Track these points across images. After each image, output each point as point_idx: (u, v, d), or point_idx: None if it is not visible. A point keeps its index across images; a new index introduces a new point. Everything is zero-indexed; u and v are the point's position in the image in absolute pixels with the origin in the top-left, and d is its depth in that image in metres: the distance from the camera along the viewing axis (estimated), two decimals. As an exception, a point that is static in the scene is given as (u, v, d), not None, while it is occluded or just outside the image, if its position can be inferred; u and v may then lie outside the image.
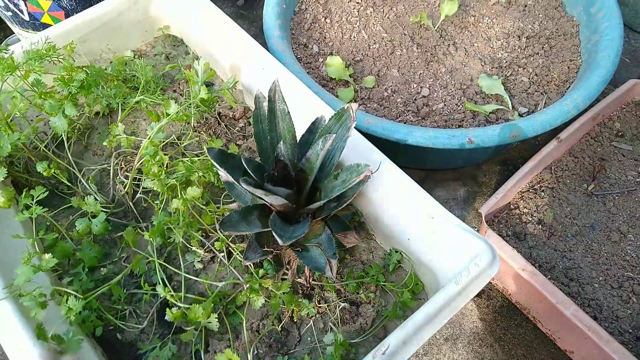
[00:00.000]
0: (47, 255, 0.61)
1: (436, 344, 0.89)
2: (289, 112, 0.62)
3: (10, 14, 0.97)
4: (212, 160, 0.56)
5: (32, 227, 0.67)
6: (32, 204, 0.66)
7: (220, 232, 0.73)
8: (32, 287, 0.61)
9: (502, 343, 0.88)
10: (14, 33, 1.82)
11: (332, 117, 0.63)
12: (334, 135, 0.56)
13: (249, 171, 0.56)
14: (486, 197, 0.97)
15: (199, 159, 0.75)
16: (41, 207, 0.67)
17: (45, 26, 0.97)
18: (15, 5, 0.93)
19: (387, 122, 0.79)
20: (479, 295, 0.93)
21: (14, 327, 0.57)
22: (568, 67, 0.93)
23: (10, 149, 0.64)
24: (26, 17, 0.96)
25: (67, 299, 0.60)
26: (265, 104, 0.64)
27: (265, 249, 0.66)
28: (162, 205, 0.73)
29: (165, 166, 0.73)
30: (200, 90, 0.74)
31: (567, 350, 0.83)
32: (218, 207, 0.75)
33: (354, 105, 0.60)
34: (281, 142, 0.60)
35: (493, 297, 0.93)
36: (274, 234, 0.55)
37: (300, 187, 0.64)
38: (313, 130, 0.67)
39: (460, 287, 0.57)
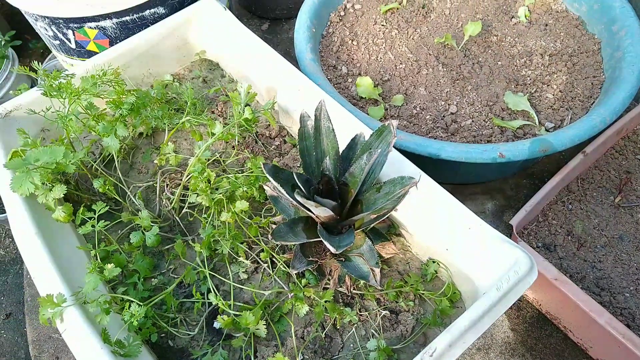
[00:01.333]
0: (110, 266, 0.66)
1: (469, 353, 0.91)
2: (333, 130, 0.66)
3: (57, 42, 1.03)
4: (266, 174, 0.60)
5: (95, 239, 0.71)
6: (93, 217, 0.70)
7: (264, 243, 0.77)
8: (95, 295, 0.65)
9: (534, 353, 0.90)
10: (45, 58, 1.90)
11: (372, 133, 0.67)
12: (379, 150, 0.60)
13: (299, 184, 0.60)
14: (514, 210, 0.99)
15: (242, 175, 0.80)
16: (98, 222, 0.72)
17: (90, 53, 1.03)
18: (64, 34, 0.99)
19: (420, 137, 0.83)
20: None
21: (83, 331, 0.61)
22: (592, 83, 0.96)
23: (75, 167, 0.68)
24: (73, 45, 1.02)
25: (129, 306, 0.64)
26: (310, 122, 0.68)
27: (310, 259, 0.69)
28: (209, 219, 0.77)
29: (210, 182, 0.78)
30: (243, 111, 0.79)
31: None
32: (261, 220, 0.79)
33: (394, 122, 0.64)
34: (327, 158, 0.64)
35: (523, 308, 0.95)
36: (326, 243, 0.58)
37: (343, 200, 0.67)
38: (353, 146, 0.71)
39: (501, 294, 0.60)
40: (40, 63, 1.11)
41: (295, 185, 0.63)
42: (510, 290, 0.61)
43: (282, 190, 0.60)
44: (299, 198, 0.58)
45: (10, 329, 1.16)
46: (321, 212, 0.62)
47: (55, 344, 1.01)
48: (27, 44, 2.33)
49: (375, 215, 0.68)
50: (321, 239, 0.63)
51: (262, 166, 0.61)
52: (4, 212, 1.25)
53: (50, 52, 2.36)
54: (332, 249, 0.57)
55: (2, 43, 1.97)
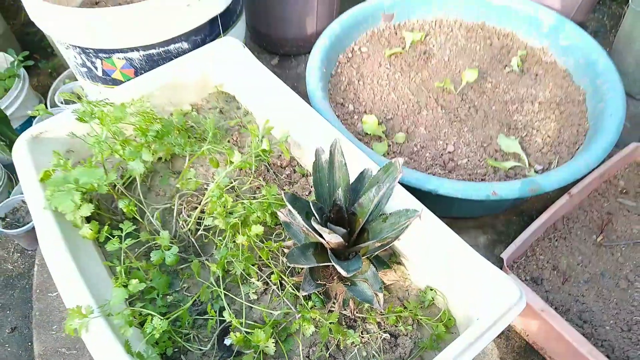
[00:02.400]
0: (135, 281, 0.71)
1: (460, 379, 0.96)
2: (345, 164, 0.74)
3: (85, 69, 1.10)
4: (286, 202, 0.67)
5: (120, 256, 0.76)
6: (121, 235, 0.76)
7: (274, 266, 0.82)
8: (119, 308, 0.70)
9: (522, 381, 0.95)
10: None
11: (380, 168, 0.74)
12: (387, 184, 0.67)
13: (314, 212, 0.66)
14: (504, 244, 1.06)
15: (256, 201, 0.86)
16: (119, 240, 0.78)
17: (116, 81, 1.10)
18: (92, 63, 1.07)
19: (420, 173, 0.90)
20: (499, 335, 1.01)
21: (108, 341, 0.66)
22: (577, 131, 1.05)
23: (106, 188, 0.74)
24: (99, 73, 1.10)
25: (151, 319, 0.69)
26: (324, 156, 0.75)
27: (318, 282, 0.75)
28: (224, 241, 0.83)
29: (226, 207, 0.84)
30: (262, 142, 0.86)
31: (582, 389, 0.90)
32: (272, 244, 0.85)
33: (401, 160, 0.71)
34: (339, 189, 0.71)
35: (511, 338, 1.01)
36: (337, 267, 0.64)
37: (352, 228, 0.74)
38: (361, 179, 0.78)
39: (492, 320, 0.66)
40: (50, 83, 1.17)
41: (309, 212, 0.70)
42: (501, 317, 0.67)
43: (299, 217, 0.67)
44: (314, 224, 0.64)
45: (15, 343, 1.19)
46: (332, 238, 0.68)
47: (62, 359, 1.04)
48: (36, 63, 2.41)
49: (380, 244, 0.74)
50: (330, 263, 0.70)
51: (282, 194, 0.67)
52: (15, 227, 1.30)
53: (59, 72, 2.44)
54: (343, 272, 0.63)
55: (16, 63, 2.04)
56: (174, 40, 1.05)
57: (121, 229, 0.79)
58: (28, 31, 2.59)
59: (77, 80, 1.93)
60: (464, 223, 1.11)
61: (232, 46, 1.07)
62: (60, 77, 2.04)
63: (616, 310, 0.90)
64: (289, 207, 0.67)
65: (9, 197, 1.41)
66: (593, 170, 1.03)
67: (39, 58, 2.49)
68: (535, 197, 1.17)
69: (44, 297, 1.14)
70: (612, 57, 1.32)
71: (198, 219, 0.90)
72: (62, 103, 1.61)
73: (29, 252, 1.36)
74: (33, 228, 1.29)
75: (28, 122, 2.07)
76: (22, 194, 1.41)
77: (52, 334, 1.08)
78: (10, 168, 1.80)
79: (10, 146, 1.78)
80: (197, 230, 0.90)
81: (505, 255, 0.92)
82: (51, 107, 1.78)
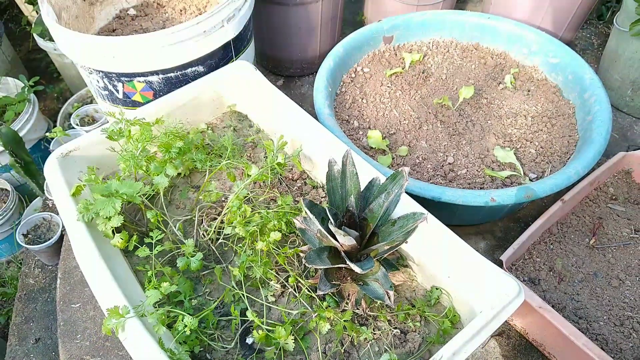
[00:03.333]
0: (165, 284, 0.77)
1: (466, 377, 1.02)
2: (357, 174, 0.81)
3: (106, 92, 1.18)
4: (304, 207, 0.73)
5: (152, 261, 0.83)
6: (151, 242, 0.83)
7: (291, 269, 0.89)
8: (151, 309, 0.76)
9: (524, 377, 1.01)
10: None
11: (388, 177, 0.81)
12: (396, 191, 0.74)
13: (330, 217, 0.73)
14: (503, 249, 1.13)
15: (272, 211, 0.93)
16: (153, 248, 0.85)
17: (135, 103, 1.18)
18: (114, 86, 1.14)
19: (423, 183, 0.97)
20: (500, 334, 1.07)
21: (144, 339, 0.72)
22: (568, 142, 1.13)
23: (140, 199, 0.81)
24: (120, 96, 1.17)
25: (182, 318, 0.75)
26: (336, 167, 0.83)
27: (333, 282, 0.82)
28: (244, 248, 0.90)
29: (245, 217, 0.91)
30: (277, 157, 0.93)
31: (580, 382, 0.96)
32: (288, 250, 0.91)
33: (407, 169, 0.79)
34: (351, 197, 0.78)
35: (512, 337, 1.07)
36: (352, 265, 0.71)
37: (363, 232, 0.81)
38: (370, 187, 0.85)
39: (495, 312, 0.73)
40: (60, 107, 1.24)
41: (324, 218, 0.77)
42: (503, 309, 0.74)
43: (316, 221, 0.74)
44: (331, 227, 0.71)
45: (40, 353, 1.24)
46: (346, 240, 0.75)
47: (86, 365, 1.09)
48: (44, 88, 2.51)
49: (389, 246, 0.81)
50: (344, 264, 0.77)
51: (300, 201, 0.74)
52: (37, 243, 1.36)
53: (65, 97, 2.52)
54: (358, 270, 0.70)
55: (26, 88, 2.13)
56: (190, 64, 1.13)
57: (151, 237, 0.86)
58: (34, 57, 2.69)
59: (86, 102, 2.01)
60: (465, 230, 1.18)
61: (244, 68, 1.15)
62: (69, 101, 2.12)
63: (609, 307, 0.97)
64: (307, 211, 0.74)
65: (19, 218, 1.47)
66: (584, 178, 1.11)
67: (46, 83, 2.58)
68: (531, 205, 1.24)
69: (68, 308, 1.20)
70: (599, 74, 1.41)
71: (218, 229, 0.97)
72: (77, 125, 1.69)
73: (49, 267, 1.41)
74: (54, 244, 1.35)
75: (37, 145, 2.14)
76: (36, 211, 1.48)
77: (76, 342, 1.13)
78: (20, 190, 1.87)
79: (24, 168, 1.85)
80: (217, 239, 0.96)
81: (504, 257, 0.99)
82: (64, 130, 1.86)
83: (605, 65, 1.55)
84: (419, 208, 0.86)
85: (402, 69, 1.34)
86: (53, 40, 1.92)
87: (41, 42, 2.22)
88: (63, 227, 1.39)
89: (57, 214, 1.47)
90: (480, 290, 0.80)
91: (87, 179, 0.91)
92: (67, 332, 1.15)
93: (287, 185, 1.07)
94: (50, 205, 1.54)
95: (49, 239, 1.34)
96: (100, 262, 0.81)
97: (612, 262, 1.04)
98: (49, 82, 2.62)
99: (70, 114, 1.89)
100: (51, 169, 0.97)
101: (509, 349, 1.05)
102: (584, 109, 1.16)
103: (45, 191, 1.54)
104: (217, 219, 0.96)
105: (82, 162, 1.01)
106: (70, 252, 1.32)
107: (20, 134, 2.03)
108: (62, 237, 1.37)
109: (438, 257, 0.85)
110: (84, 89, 2.12)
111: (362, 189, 0.85)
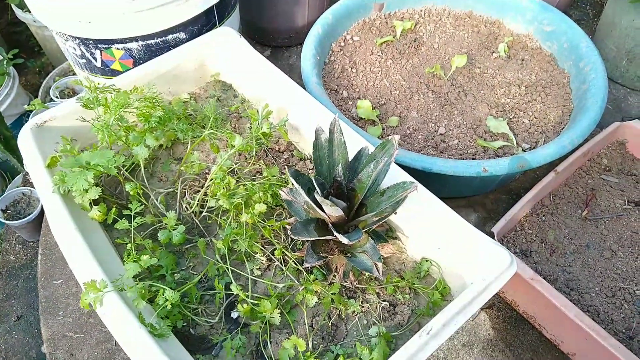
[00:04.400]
0: (145, 257, 0.74)
1: (455, 349, 1.01)
2: (344, 142, 0.77)
3: (84, 61, 1.13)
4: (290, 177, 0.70)
5: (131, 234, 0.80)
6: (130, 215, 0.79)
7: (277, 242, 0.86)
8: (131, 282, 0.73)
9: (512, 348, 1.00)
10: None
11: (377, 146, 0.78)
12: (385, 159, 0.71)
13: (316, 187, 0.70)
14: (495, 221, 1.11)
15: (257, 182, 0.89)
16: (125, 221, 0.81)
17: (114, 72, 1.13)
18: (92, 54, 1.09)
19: (414, 153, 0.94)
20: (490, 307, 1.06)
21: (123, 314, 0.69)
22: (562, 111, 1.10)
23: (115, 171, 0.77)
24: (98, 64, 1.12)
25: (163, 292, 0.72)
26: (324, 135, 0.79)
27: (320, 254, 0.79)
28: (228, 221, 0.87)
29: (229, 188, 0.87)
30: (262, 126, 0.89)
31: (570, 353, 0.95)
32: (274, 223, 0.88)
33: (396, 137, 0.75)
34: (339, 166, 0.74)
35: (503, 309, 1.05)
36: (338, 236, 0.68)
37: (351, 203, 0.78)
38: (359, 157, 0.82)
39: (486, 283, 0.71)
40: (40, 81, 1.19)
41: (311, 188, 0.74)
42: (494, 281, 0.72)
43: (302, 191, 0.70)
44: (317, 197, 0.68)
45: (22, 330, 1.22)
46: (333, 211, 0.72)
47: (70, 342, 1.07)
48: (24, 62, 2.43)
49: (378, 218, 0.78)
50: (331, 236, 0.74)
51: (286, 170, 0.71)
52: (16, 219, 1.32)
53: (47, 71, 2.44)
54: (345, 241, 0.67)
55: (5, 61, 2.05)
56: (171, 30, 1.08)
57: (130, 209, 0.82)
58: (15, 30, 2.59)
59: (68, 76, 1.94)
60: (456, 202, 1.16)
61: (228, 35, 1.10)
62: (51, 75, 2.05)
63: (601, 278, 0.95)
64: (293, 181, 0.70)
65: (3, 194, 1.43)
66: (577, 149, 1.08)
67: (27, 57, 2.49)
68: (523, 176, 1.22)
69: (49, 284, 1.17)
70: (595, 44, 1.37)
71: (201, 202, 0.93)
72: (57, 97, 1.63)
73: (30, 243, 1.38)
74: (34, 219, 1.31)
75: (19, 120, 2.08)
76: (20, 187, 1.43)
77: (58, 319, 1.11)
78: (2, 167, 1.82)
79: (4, 143, 1.79)
80: (201, 212, 0.93)
81: (495, 229, 0.97)
82: (45, 103, 1.80)
83: (600, 36, 1.51)
84: (408, 178, 0.83)
85: (393, 37, 1.30)
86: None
87: (20, 14, 2.14)
88: (44, 202, 1.35)
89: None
90: (471, 262, 0.78)
91: (63, 150, 0.87)
92: (48, 309, 1.12)
93: (273, 157, 1.03)
94: (31, 181, 1.50)
95: (29, 214, 1.30)
96: (77, 235, 0.78)
97: (604, 234, 1.02)
98: (30, 56, 2.53)
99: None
100: (25, 139, 0.92)
101: (499, 321, 1.04)
102: (579, 77, 1.13)
103: (25, 165, 1.49)
104: (200, 191, 0.92)
105: (58, 132, 0.96)
106: (51, 228, 1.28)
107: (0, 109, 1.96)
108: (42, 212, 1.33)
109: (428, 229, 0.82)
110: (66, 62, 2.05)
111: (350, 159, 0.82)
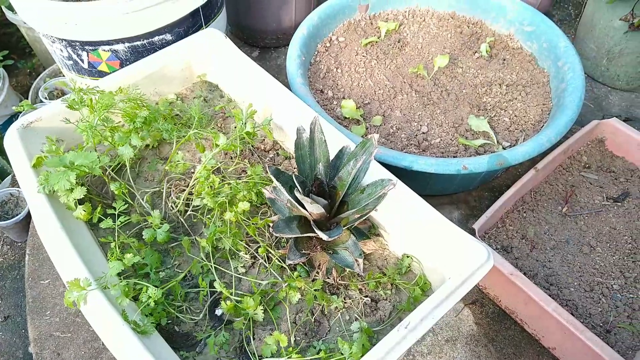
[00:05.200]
0: (129, 255, 0.75)
1: (438, 344, 1.03)
2: (325, 141, 0.79)
3: (71, 62, 1.14)
4: (270, 175, 0.72)
5: (115, 233, 0.81)
6: (114, 214, 0.80)
7: (261, 240, 0.87)
8: (115, 280, 0.74)
9: (495, 343, 1.02)
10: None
11: (357, 145, 0.79)
12: (364, 157, 0.72)
13: (297, 185, 0.72)
14: (477, 218, 1.13)
15: (242, 181, 0.91)
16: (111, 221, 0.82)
17: (101, 73, 1.13)
18: (79, 56, 1.10)
19: (396, 152, 0.96)
20: (473, 303, 1.08)
21: (106, 311, 0.70)
22: (541, 110, 1.12)
23: (100, 171, 0.78)
24: (85, 65, 1.13)
25: (146, 290, 0.73)
26: (305, 134, 0.80)
27: (303, 252, 0.80)
28: (213, 219, 0.88)
29: (214, 187, 0.89)
30: (246, 125, 0.91)
31: (550, 347, 0.97)
32: (258, 221, 0.90)
33: (376, 136, 0.77)
34: (320, 164, 0.76)
35: (485, 305, 1.07)
36: (319, 232, 0.70)
37: (332, 200, 0.79)
38: (340, 156, 0.83)
39: (463, 278, 0.72)
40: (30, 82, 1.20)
41: (292, 186, 0.75)
42: (471, 275, 0.73)
43: (283, 190, 0.72)
44: (297, 195, 0.69)
45: (9, 331, 1.22)
46: (314, 209, 0.74)
47: (57, 342, 1.08)
48: (14, 64, 2.42)
49: (359, 215, 0.79)
50: (313, 233, 0.75)
51: (267, 168, 0.72)
52: (4, 219, 1.32)
53: (38, 72, 2.44)
54: (325, 237, 0.69)
55: (-6, 62, 2.05)
56: (158, 32, 1.09)
57: (114, 208, 0.83)
58: (4, 32, 2.58)
59: (58, 77, 1.94)
60: (439, 200, 1.18)
61: (214, 37, 1.11)
62: (41, 76, 2.05)
63: (580, 273, 0.97)
64: (274, 180, 0.72)
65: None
66: (557, 146, 1.10)
67: (17, 58, 2.48)
68: (505, 174, 1.24)
69: (36, 284, 1.17)
70: (576, 44, 1.40)
71: (186, 201, 0.95)
72: (46, 99, 1.63)
73: (19, 244, 1.38)
74: (22, 220, 1.32)
75: (9, 122, 2.07)
76: (8, 187, 1.43)
77: (45, 319, 1.11)
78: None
79: (-7, 144, 1.78)
80: (186, 211, 0.94)
81: (477, 226, 0.99)
82: (34, 104, 1.80)
83: (581, 35, 1.54)
84: (388, 175, 0.85)
85: (378, 38, 1.32)
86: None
87: (10, 15, 2.13)
88: (31, 203, 1.35)
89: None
90: (449, 257, 0.79)
91: (48, 150, 0.88)
92: (36, 309, 1.13)
93: (259, 156, 1.05)
94: (18, 184, 1.50)
95: (17, 215, 1.30)
96: (62, 234, 0.79)
97: (583, 230, 1.04)
98: (21, 57, 2.53)
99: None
100: (11, 140, 0.93)
101: (482, 317, 1.06)
102: (558, 76, 1.15)
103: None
104: (185, 190, 0.94)
105: (44, 133, 0.97)
106: (39, 229, 1.28)
107: (-11, 110, 1.95)
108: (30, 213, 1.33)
109: (409, 225, 0.84)
110: (56, 64, 2.04)
111: (332, 158, 0.84)
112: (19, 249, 1.37)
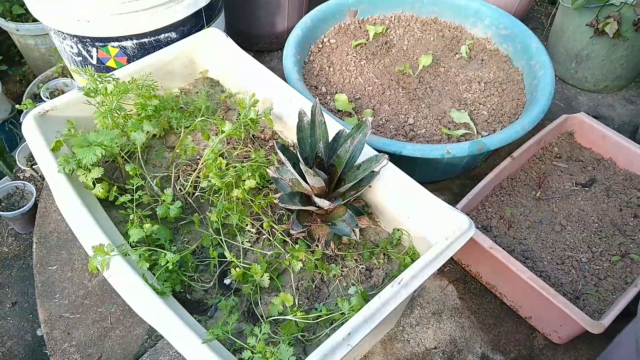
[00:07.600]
0: (147, 225, 0.83)
1: (425, 317, 1.12)
2: (325, 122, 0.88)
3: (80, 58, 1.21)
4: (277, 150, 0.80)
5: (133, 206, 0.88)
6: (132, 188, 0.88)
7: (268, 215, 0.96)
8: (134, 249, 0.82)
9: (477, 315, 1.11)
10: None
11: (353, 127, 0.88)
12: (359, 137, 0.81)
13: (301, 160, 0.80)
14: (460, 203, 1.23)
15: (247, 164, 0.99)
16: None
17: (109, 69, 1.21)
18: (88, 52, 1.17)
19: (386, 139, 1.05)
20: (457, 280, 1.17)
21: (128, 274, 0.77)
22: (516, 104, 1.24)
23: (117, 149, 0.86)
24: (94, 62, 1.21)
25: (164, 255, 0.81)
26: (306, 118, 0.89)
27: (305, 224, 0.89)
28: (220, 198, 0.96)
29: (221, 169, 0.97)
30: (250, 112, 0.99)
31: (527, 317, 1.07)
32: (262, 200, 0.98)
33: (370, 118, 0.86)
34: (320, 143, 0.85)
35: (468, 282, 1.17)
36: (319, 200, 0.78)
37: (331, 177, 0.88)
38: (337, 138, 0.92)
39: (449, 242, 0.82)
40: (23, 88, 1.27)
41: (296, 163, 0.84)
42: (456, 240, 0.83)
43: (289, 164, 0.80)
44: (302, 167, 0.78)
45: (17, 316, 1.27)
46: (316, 182, 0.82)
47: (67, 322, 1.13)
48: (5, 71, 2.48)
49: (355, 191, 0.88)
50: (313, 206, 0.84)
51: (274, 143, 0.81)
52: (10, 210, 1.37)
53: (28, 80, 2.48)
54: (325, 205, 0.77)
55: (-14, 70, 2.10)
56: (164, 30, 1.17)
57: (127, 190, 0.91)
58: (-3, 40, 2.62)
59: (51, 80, 2.00)
60: (425, 187, 1.27)
61: (215, 35, 1.20)
62: (34, 82, 2.11)
63: (552, 249, 1.08)
64: (280, 154, 0.80)
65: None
66: (531, 137, 1.21)
67: (7, 66, 2.53)
68: (485, 164, 1.35)
69: (45, 270, 1.23)
70: (547, 49, 1.53)
71: (194, 183, 1.02)
72: (47, 98, 1.69)
73: (23, 235, 1.43)
74: (28, 211, 1.37)
75: (1, 127, 2.12)
76: (12, 181, 1.49)
77: (55, 301, 1.17)
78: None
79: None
80: (194, 193, 1.02)
81: (459, 207, 1.08)
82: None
83: (552, 41, 1.67)
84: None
85: (367, 40, 1.42)
86: (14, 21, 1.91)
87: (2, 23, 2.18)
88: (37, 195, 1.41)
89: (30, 182, 1.49)
90: (435, 227, 0.88)
91: (67, 133, 0.95)
92: (45, 293, 1.18)
93: (259, 145, 1.13)
94: (22, 178, 1.55)
95: (23, 207, 1.36)
96: (83, 209, 0.86)
97: (555, 211, 1.15)
98: (12, 64, 2.57)
99: (36, 95, 1.89)
100: (29, 126, 1.00)
101: (465, 292, 1.15)
102: (530, 74, 1.26)
103: (18, 162, 1.55)
104: (192, 174, 1.01)
105: (58, 122, 1.04)
106: (45, 218, 1.34)
107: (-18, 117, 2.00)
108: (35, 205, 1.39)
109: (398, 201, 0.93)
110: (49, 70, 2.10)
111: (330, 140, 0.93)
112: (23, 240, 1.42)
